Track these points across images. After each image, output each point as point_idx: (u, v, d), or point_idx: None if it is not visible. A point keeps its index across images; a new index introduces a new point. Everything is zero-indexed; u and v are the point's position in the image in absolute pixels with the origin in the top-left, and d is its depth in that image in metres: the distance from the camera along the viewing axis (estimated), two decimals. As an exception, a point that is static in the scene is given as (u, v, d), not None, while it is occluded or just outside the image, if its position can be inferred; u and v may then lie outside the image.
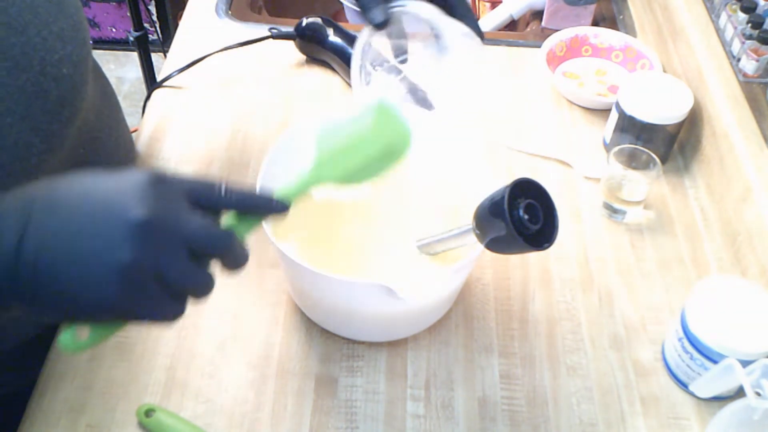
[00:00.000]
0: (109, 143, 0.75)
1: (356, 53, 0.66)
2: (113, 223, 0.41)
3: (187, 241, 0.43)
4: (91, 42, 0.67)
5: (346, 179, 0.55)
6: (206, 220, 0.44)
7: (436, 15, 0.62)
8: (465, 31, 0.63)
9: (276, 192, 0.50)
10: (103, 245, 0.40)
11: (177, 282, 0.43)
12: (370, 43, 0.66)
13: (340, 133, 0.55)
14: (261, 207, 0.49)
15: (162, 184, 0.43)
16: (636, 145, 0.84)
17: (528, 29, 1.18)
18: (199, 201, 0.45)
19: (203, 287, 0.45)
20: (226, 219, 0.48)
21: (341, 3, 1.26)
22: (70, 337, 0.43)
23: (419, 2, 0.61)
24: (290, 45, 1.02)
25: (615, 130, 0.88)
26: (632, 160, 0.82)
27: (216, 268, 0.46)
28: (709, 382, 0.64)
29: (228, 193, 0.46)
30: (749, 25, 0.85)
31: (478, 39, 0.64)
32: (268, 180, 0.70)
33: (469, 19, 0.64)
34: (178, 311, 0.44)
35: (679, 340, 0.67)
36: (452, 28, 0.63)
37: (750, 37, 0.85)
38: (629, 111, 0.86)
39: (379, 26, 0.60)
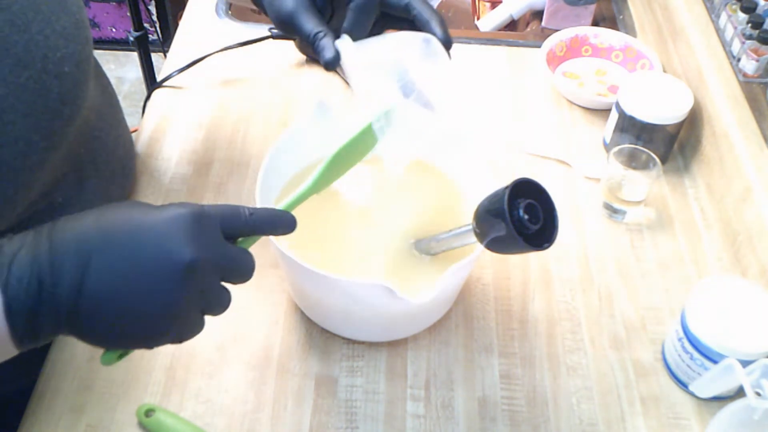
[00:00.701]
0: (109, 142, 0.75)
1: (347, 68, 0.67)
2: (165, 265, 0.45)
3: (222, 272, 0.49)
4: (92, 41, 0.67)
5: (326, 186, 0.61)
6: (236, 250, 0.50)
7: (375, 50, 0.61)
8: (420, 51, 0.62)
9: (282, 208, 0.55)
10: (158, 286, 0.45)
11: (209, 303, 0.49)
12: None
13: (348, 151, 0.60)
14: (278, 227, 0.53)
15: (202, 220, 0.47)
16: (636, 145, 0.84)
17: (528, 29, 1.18)
18: (228, 229, 0.49)
19: (225, 306, 0.51)
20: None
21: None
22: (111, 358, 0.48)
23: (347, 50, 0.61)
24: (290, 45, 1.02)
25: (615, 130, 0.88)
26: (632, 160, 0.82)
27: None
28: (709, 382, 0.64)
29: (251, 217, 0.51)
30: (749, 25, 0.85)
31: (442, 50, 0.62)
32: (269, 180, 0.70)
33: (432, 27, 0.63)
34: (202, 327, 0.50)
35: (679, 340, 0.67)
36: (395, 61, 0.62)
37: (750, 37, 0.85)
38: (629, 111, 0.86)
39: (329, 65, 0.61)
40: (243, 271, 0.50)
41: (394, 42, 0.62)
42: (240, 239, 0.52)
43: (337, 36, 0.62)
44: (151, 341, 0.47)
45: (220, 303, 0.50)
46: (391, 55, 0.65)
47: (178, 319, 0.46)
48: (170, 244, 0.45)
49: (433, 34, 0.62)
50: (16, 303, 0.43)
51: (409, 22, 0.64)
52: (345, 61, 0.61)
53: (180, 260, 0.45)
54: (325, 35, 0.61)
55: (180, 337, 0.48)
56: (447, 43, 0.63)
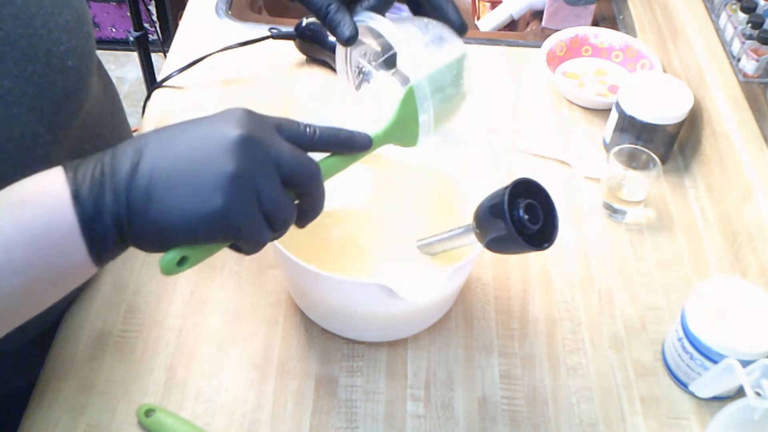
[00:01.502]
0: (112, 141, 0.75)
1: (338, 60, 0.66)
2: (216, 141, 0.45)
3: (279, 165, 0.46)
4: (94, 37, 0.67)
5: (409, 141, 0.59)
6: (296, 149, 0.48)
7: (393, 33, 0.58)
8: (436, 35, 0.60)
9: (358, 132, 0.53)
10: (209, 159, 0.44)
11: (269, 202, 0.46)
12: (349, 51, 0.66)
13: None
14: (346, 142, 0.52)
15: (254, 114, 0.47)
16: (636, 145, 0.84)
17: (528, 29, 1.18)
18: (287, 134, 0.48)
19: (288, 216, 0.48)
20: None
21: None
22: (171, 260, 0.46)
23: (381, 19, 0.58)
24: (290, 45, 1.02)
25: (615, 130, 0.88)
26: (632, 160, 0.82)
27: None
28: (709, 382, 0.64)
29: (313, 130, 0.49)
30: (749, 25, 0.85)
31: (457, 39, 0.61)
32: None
33: (447, 11, 0.61)
34: (266, 236, 0.47)
35: (679, 340, 0.67)
36: (410, 42, 0.59)
37: (750, 37, 0.85)
38: (629, 111, 0.86)
39: (348, 42, 0.59)
40: (303, 171, 0.48)
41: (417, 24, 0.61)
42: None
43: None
44: (206, 223, 0.44)
45: (282, 206, 0.47)
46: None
47: (233, 196, 0.44)
48: (219, 127, 0.45)
49: (447, 18, 0.61)
50: (82, 190, 0.43)
51: (418, 4, 0.62)
52: (388, 33, 0.58)
53: (228, 135, 0.44)
54: (338, 9, 0.59)
55: (236, 227, 0.45)
56: (461, 29, 0.62)
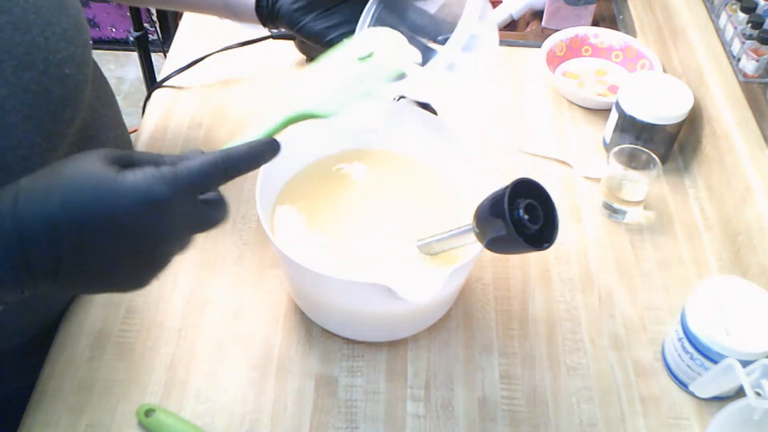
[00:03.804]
0: (107, 143, 0.75)
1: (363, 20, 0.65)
2: (130, 223, 0.46)
3: (190, 228, 0.50)
4: (91, 43, 0.67)
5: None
6: (206, 209, 0.50)
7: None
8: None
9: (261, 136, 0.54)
10: (129, 244, 0.47)
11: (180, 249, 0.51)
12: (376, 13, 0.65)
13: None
14: (259, 162, 0.52)
15: (160, 210, 0.47)
16: (636, 145, 0.84)
17: (528, 29, 1.18)
18: (207, 190, 0.50)
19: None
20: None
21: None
22: None
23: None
24: (290, 45, 1.02)
25: (615, 130, 0.88)
26: (632, 160, 0.82)
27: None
28: (709, 382, 0.64)
29: (228, 171, 0.50)
30: (749, 25, 0.85)
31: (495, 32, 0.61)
32: (269, 180, 0.70)
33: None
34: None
35: (679, 340, 0.67)
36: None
37: (750, 37, 0.85)
38: (629, 111, 0.86)
39: None
40: (212, 223, 0.51)
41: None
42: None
43: None
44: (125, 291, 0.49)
45: (186, 248, 0.51)
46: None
47: (155, 276, 0.49)
48: (135, 219, 0.45)
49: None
50: None
51: None
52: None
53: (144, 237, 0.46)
54: None
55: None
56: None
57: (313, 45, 0.68)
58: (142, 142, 0.90)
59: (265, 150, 0.52)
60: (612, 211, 0.84)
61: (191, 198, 0.48)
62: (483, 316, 0.74)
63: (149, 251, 0.47)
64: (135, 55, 1.87)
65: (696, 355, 0.66)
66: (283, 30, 0.74)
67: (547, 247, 0.55)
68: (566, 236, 0.82)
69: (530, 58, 1.05)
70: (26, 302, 0.67)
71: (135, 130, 0.93)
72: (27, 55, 0.56)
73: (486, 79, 0.61)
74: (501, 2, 1.20)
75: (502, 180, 0.59)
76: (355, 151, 0.78)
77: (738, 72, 0.87)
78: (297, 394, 0.68)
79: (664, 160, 0.89)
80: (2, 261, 0.44)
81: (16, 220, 0.44)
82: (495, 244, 0.57)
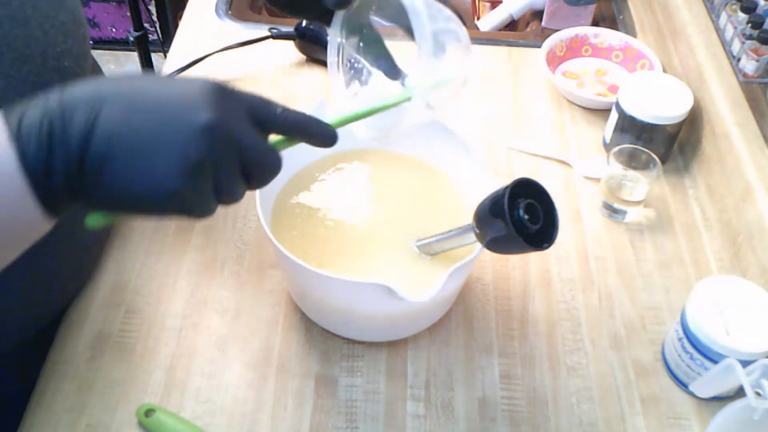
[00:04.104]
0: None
1: (330, 49, 0.65)
2: (183, 122, 0.42)
3: (242, 155, 0.45)
4: (90, 42, 0.67)
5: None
6: (262, 141, 0.46)
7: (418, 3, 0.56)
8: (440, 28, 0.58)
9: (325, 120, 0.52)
10: (173, 141, 0.42)
11: (225, 189, 0.45)
12: (342, 43, 0.65)
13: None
14: (313, 133, 0.50)
15: (226, 93, 0.45)
16: (636, 145, 0.84)
17: (528, 29, 1.18)
18: (257, 118, 0.47)
19: (238, 199, 0.47)
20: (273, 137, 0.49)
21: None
22: (101, 220, 0.45)
23: None
24: (290, 45, 1.02)
25: (615, 130, 0.88)
26: (632, 160, 0.82)
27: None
28: (709, 382, 0.64)
29: (284, 115, 0.48)
30: (749, 25, 0.85)
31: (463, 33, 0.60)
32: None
33: None
34: (213, 212, 0.46)
35: (679, 340, 0.67)
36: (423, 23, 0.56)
37: (750, 37, 0.85)
38: (629, 111, 0.86)
39: (337, 5, 0.58)
40: (265, 164, 0.46)
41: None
42: (277, 141, 0.49)
43: None
44: (158, 203, 0.43)
45: (235, 194, 0.46)
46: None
47: (191, 183, 0.42)
48: (187, 105, 0.43)
49: None
50: (29, 152, 0.41)
51: None
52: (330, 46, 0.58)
53: (196, 118, 0.42)
54: None
55: (188, 207, 0.44)
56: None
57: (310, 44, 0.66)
58: (142, 142, 0.90)
59: (323, 131, 0.50)
60: (612, 211, 0.84)
61: (246, 115, 0.46)
62: (483, 316, 0.74)
63: (196, 149, 0.42)
64: (135, 55, 1.87)
65: (696, 355, 0.66)
66: (281, 29, 0.73)
67: (547, 247, 0.55)
68: (566, 236, 0.82)
69: (530, 58, 1.05)
70: (26, 302, 0.67)
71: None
72: (25, 47, 0.56)
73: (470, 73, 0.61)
74: (501, 2, 1.20)
75: (502, 180, 0.59)
76: (355, 151, 0.78)
77: (738, 72, 0.87)
78: (297, 394, 0.68)
79: (664, 160, 0.89)
80: (42, 130, 0.41)
81: (63, 93, 0.42)
82: (495, 244, 0.57)
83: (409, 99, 0.56)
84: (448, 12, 0.59)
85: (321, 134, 0.50)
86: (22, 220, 0.42)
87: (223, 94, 0.45)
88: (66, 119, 0.41)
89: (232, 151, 0.44)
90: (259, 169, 0.46)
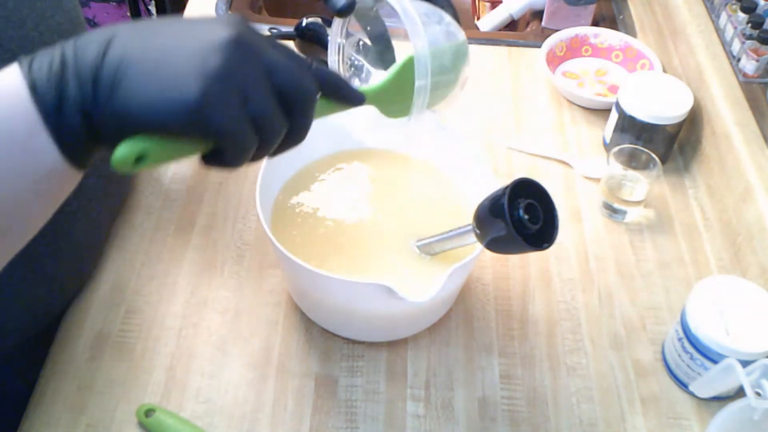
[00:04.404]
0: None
1: (330, 48, 0.65)
2: (203, 37, 0.40)
3: (272, 72, 0.42)
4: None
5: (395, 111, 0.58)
6: (293, 61, 0.43)
7: (413, 15, 0.56)
8: (439, 31, 0.59)
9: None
10: (191, 53, 0.40)
11: (257, 105, 0.41)
12: (345, 38, 0.65)
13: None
14: (340, 87, 0.49)
15: (250, 24, 0.43)
16: (636, 145, 0.84)
17: (528, 29, 1.18)
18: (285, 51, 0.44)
19: (278, 128, 0.43)
20: None
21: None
22: (127, 152, 0.40)
23: None
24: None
25: (615, 130, 0.88)
26: (632, 160, 0.82)
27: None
28: (709, 382, 0.64)
29: (311, 61, 0.45)
30: (749, 25, 0.85)
31: (461, 34, 0.61)
32: (269, 180, 0.70)
33: (444, 4, 0.60)
34: (252, 143, 0.42)
35: (679, 340, 0.67)
36: (419, 21, 0.57)
37: (750, 37, 0.85)
38: (629, 111, 0.86)
39: (341, 12, 0.57)
40: (299, 84, 0.43)
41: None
42: None
43: None
44: (181, 119, 0.39)
45: (267, 116, 0.42)
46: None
47: (213, 92, 0.39)
48: (207, 26, 0.41)
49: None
50: (40, 80, 0.39)
51: None
52: (401, 10, 0.57)
53: (220, 34, 0.40)
54: None
55: (217, 126, 0.40)
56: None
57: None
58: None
59: (353, 90, 0.49)
60: (612, 211, 0.84)
61: (273, 41, 0.43)
62: (483, 316, 0.74)
63: (217, 57, 0.39)
64: (135, 55, 1.86)
65: (696, 355, 0.66)
66: (282, 29, 0.73)
67: (547, 247, 0.55)
68: (566, 236, 0.82)
69: (530, 58, 1.05)
70: (27, 302, 0.67)
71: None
72: (20, 48, 0.56)
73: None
74: (501, 2, 1.20)
75: (502, 180, 0.59)
76: (355, 151, 0.78)
77: (738, 72, 0.87)
78: (297, 394, 0.68)
79: (664, 160, 0.89)
80: (53, 61, 0.40)
81: (76, 38, 0.41)
82: (495, 244, 0.57)
83: (411, 58, 0.56)
84: (440, 13, 0.60)
85: (351, 92, 0.49)
86: (41, 162, 0.40)
87: (246, 21, 0.42)
88: (78, 51, 0.40)
89: (260, 65, 0.41)
90: (293, 90, 0.43)
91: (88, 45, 0.40)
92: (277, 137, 0.43)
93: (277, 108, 0.42)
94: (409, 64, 0.56)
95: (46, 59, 0.40)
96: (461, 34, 0.61)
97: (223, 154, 0.42)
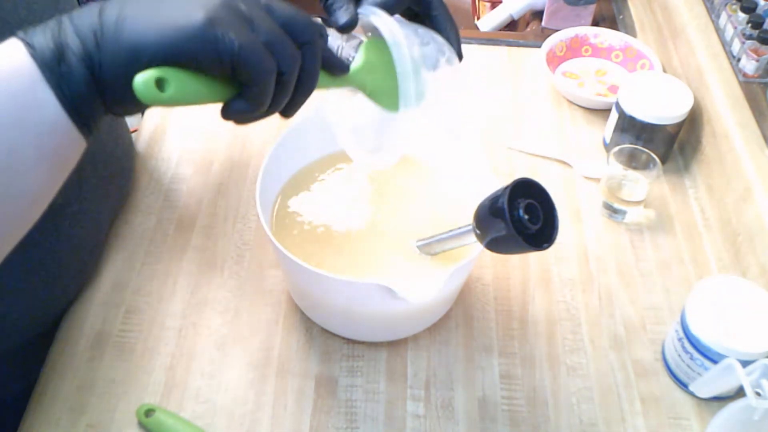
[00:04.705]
0: (107, 143, 0.75)
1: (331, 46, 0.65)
2: None
3: (271, 11, 0.43)
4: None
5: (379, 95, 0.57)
6: (291, 5, 0.44)
7: (398, 35, 0.55)
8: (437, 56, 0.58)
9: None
10: None
11: (266, 31, 0.41)
12: (345, 40, 0.65)
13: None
14: (330, 57, 0.49)
15: None
16: (636, 145, 0.84)
17: (528, 29, 1.18)
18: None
19: (293, 53, 0.43)
20: None
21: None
22: (147, 80, 0.39)
23: (387, 18, 0.56)
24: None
25: (615, 130, 0.88)
26: (632, 160, 0.82)
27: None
28: (709, 382, 0.64)
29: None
30: (749, 25, 0.85)
31: (456, 61, 0.60)
32: (268, 180, 0.70)
33: (449, 36, 0.60)
34: (271, 66, 0.42)
35: (679, 340, 0.67)
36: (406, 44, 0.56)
37: (750, 37, 0.85)
38: (629, 111, 0.86)
39: (343, 28, 0.57)
40: (302, 21, 0.44)
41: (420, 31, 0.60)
42: None
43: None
44: (192, 41, 0.39)
45: (280, 38, 0.42)
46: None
47: (219, 16, 0.39)
48: None
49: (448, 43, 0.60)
50: (36, 36, 0.40)
51: (421, 19, 0.61)
52: (387, 30, 0.56)
53: None
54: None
55: (234, 47, 0.39)
56: (458, 57, 0.60)
57: None
58: (142, 142, 0.90)
59: (337, 60, 0.50)
60: (612, 211, 0.84)
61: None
62: (483, 316, 0.74)
63: None
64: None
65: (696, 355, 0.66)
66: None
67: (547, 247, 0.55)
68: (566, 236, 0.82)
69: (530, 58, 1.05)
70: (27, 303, 0.67)
71: (135, 130, 0.93)
72: None
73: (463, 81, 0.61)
74: (501, 2, 1.20)
75: (502, 180, 0.59)
76: (355, 151, 0.78)
77: (738, 72, 0.87)
78: (297, 394, 0.68)
79: (664, 160, 0.89)
80: (50, 24, 0.42)
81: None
82: (495, 244, 0.57)
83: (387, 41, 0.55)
84: (431, 34, 0.59)
85: (337, 60, 0.50)
86: (43, 116, 0.40)
87: None
88: (74, 15, 0.41)
89: (258, 3, 0.42)
90: (295, 25, 0.43)
91: (82, 10, 0.42)
92: (294, 64, 0.43)
93: (285, 36, 0.43)
94: (381, 44, 0.55)
95: (42, 26, 0.41)
96: (455, 65, 0.60)
97: (245, 92, 0.42)
